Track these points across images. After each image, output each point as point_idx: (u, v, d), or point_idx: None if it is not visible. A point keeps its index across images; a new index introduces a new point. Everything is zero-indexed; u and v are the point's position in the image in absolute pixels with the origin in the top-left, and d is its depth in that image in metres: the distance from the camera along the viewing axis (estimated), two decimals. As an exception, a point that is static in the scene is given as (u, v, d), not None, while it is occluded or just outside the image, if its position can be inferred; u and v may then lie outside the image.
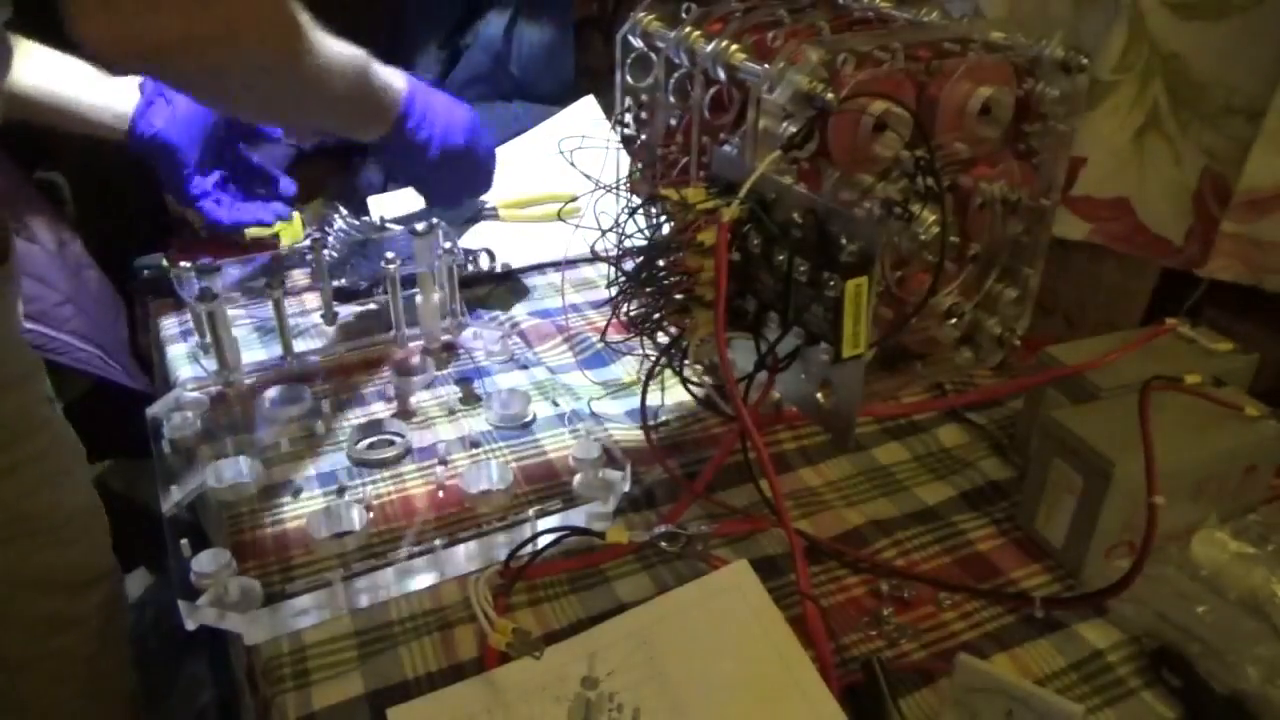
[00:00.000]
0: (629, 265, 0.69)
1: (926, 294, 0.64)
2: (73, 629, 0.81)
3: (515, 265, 1.05)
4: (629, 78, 0.81)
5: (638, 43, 0.79)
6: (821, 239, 0.58)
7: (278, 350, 0.86)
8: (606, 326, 0.90)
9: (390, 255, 0.85)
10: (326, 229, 1.01)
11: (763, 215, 0.61)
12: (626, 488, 0.71)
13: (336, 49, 0.71)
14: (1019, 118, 0.69)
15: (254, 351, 0.90)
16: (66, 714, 0.83)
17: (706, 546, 0.65)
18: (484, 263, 1.00)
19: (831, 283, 0.56)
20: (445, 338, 0.92)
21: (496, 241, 1.09)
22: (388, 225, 1.02)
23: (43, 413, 0.78)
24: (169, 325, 0.95)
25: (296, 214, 1.07)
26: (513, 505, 0.71)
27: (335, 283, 0.95)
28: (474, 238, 1.10)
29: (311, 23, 0.69)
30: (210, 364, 0.83)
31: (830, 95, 0.60)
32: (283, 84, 0.67)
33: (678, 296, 0.64)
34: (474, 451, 0.77)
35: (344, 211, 1.04)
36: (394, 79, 0.81)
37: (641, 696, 0.54)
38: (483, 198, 1.16)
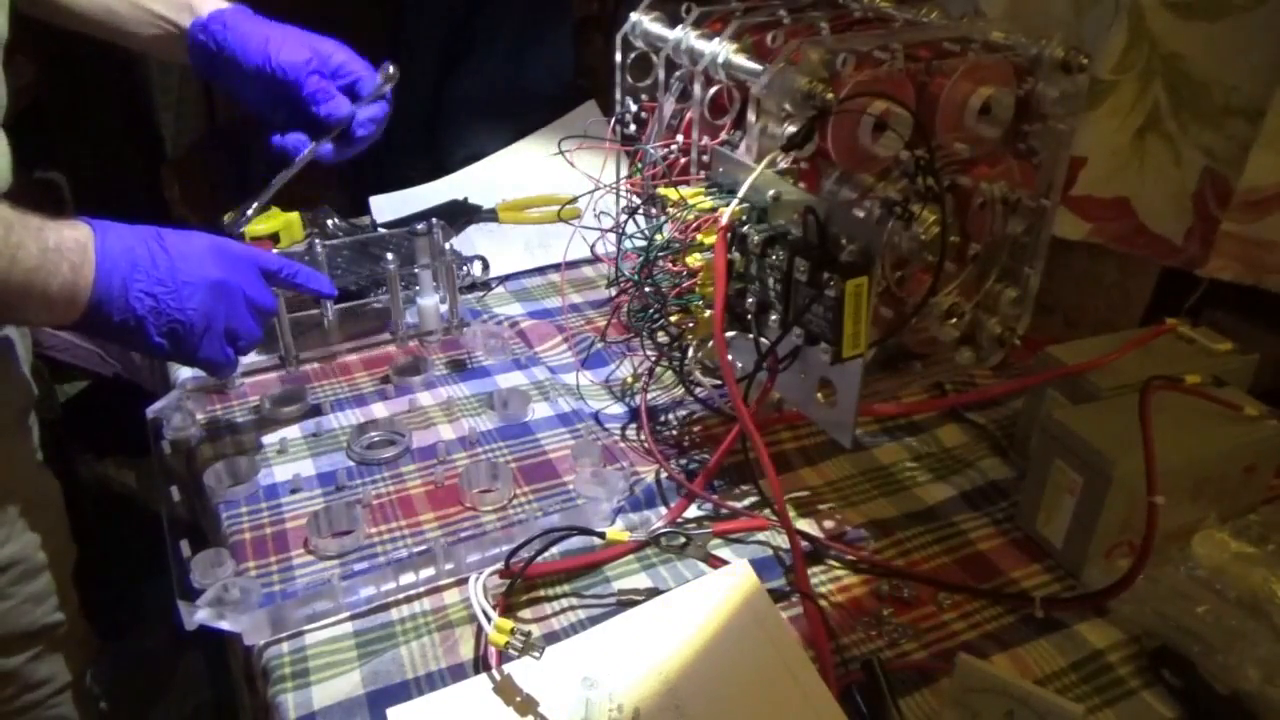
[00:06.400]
0: (629, 265, 0.69)
1: (926, 294, 0.64)
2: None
3: (513, 269, 1.05)
4: (629, 78, 0.81)
5: (638, 43, 0.79)
6: (821, 239, 0.58)
7: (278, 350, 0.86)
8: (606, 326, 0.90)
9: (390, 255, 0.85)
10: (326, 228, 1.01)
11: (763, 215, 0.61)
12: (626, 488, 0.71)
13: None
14: (1019, 118, 0.69)
15: (254, 351, 0.90)
16: None
17: (706, 546, 0.65)
18: (476, 270, 1.00)
19: (831, 283, 0.56)
20: (445, 337, 0.92)
21: (495, 243, 1.09)
22: (379, 229, 1.02)
23: None
24: (169, 325, 0.94)
25: (296, 214, 1.07)
26: (512, 505, 0.71)
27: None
28: (474, 241, 1.10)
29: None
30: (210, 364, 0.83)
31: (830, 95, 0.60)
32: None
33: (678, 296, 0.64)
34: (474, 451, 0.77)
35: (336, 220, 1.04)
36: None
37: (641, 696, 0.54)
38: (480, 201, 1.16)
